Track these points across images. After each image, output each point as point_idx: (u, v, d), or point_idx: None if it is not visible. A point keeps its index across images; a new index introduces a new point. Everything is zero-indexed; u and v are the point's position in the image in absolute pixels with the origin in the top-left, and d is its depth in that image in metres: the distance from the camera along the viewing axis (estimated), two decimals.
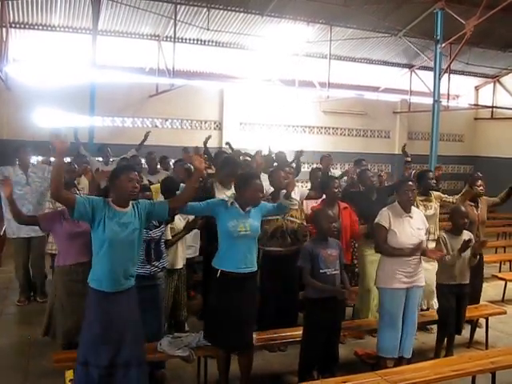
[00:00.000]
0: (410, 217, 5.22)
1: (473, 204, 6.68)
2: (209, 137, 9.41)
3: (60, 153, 3.73)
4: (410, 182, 5.32)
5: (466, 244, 5.36)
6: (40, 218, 5.01)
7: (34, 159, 8.31)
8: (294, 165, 8.41)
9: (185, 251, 5.81)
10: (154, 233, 4.88)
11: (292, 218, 5.83)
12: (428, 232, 6.39)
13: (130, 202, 4.08)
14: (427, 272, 5.98)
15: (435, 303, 6.32)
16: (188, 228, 5.54)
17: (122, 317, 4.01)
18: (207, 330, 4.81)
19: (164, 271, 5.16)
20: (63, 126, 9.52)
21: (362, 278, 6.41)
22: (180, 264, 5.60)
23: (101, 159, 9.26)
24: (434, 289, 6.02)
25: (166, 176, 7.16)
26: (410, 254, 5.09)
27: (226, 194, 5.83)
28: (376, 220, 5.24)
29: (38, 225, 5.04)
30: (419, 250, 5.12)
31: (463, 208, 5.78)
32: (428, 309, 6.60)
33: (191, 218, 5.55)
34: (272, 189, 6.02)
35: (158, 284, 5.01)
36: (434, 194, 6.71)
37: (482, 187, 6.76)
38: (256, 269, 4.72)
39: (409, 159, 8.07)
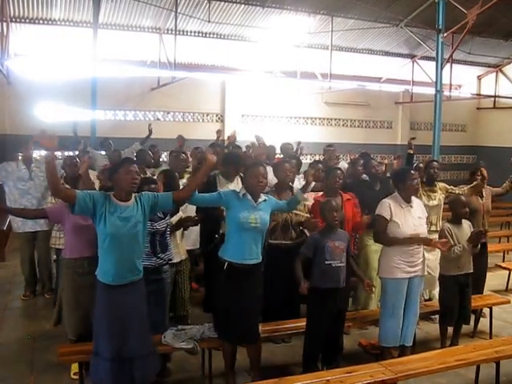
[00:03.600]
0: (411, 206, 5.22)
1: (477, 194, 6.68)
2: (219, 131, 9.45)
3: (50, 149, 3.72)
4: (413, 171, 5.32)
5: (476, 235, 5.39)
6: (48, 210, 5.03)
7: (37, 153, 8.28)
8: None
9: (184, 245, 5.78)
10: (158, 224, 4.85)
11: (297, 212, 5.83)
12: (430, 223, 6.42)
13: (133, 195, 4.09)
14: (429, 262, 6.00)
15: (437, 293, 6.33)
16: (176, 227, 5.47)
17: (127, 310, 4.04)
18: (216, 323, 4.86)
19: (170, 264, 5.16)
20: (70, 120, 9.60)
21: (365, 268, 6.39)
22: (177, 258, 5.50)
23: (103, 153, 9.26)
24: (437, 279, 6.04)
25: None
26: (409, 242, 5.10)
27: (228, 187, 5.84)
28: (377, 211, 5.25)
29: (47, 217, 5.05)
30: (419, 240, 5.13)
31: (463, 197, 5.79)
32: (430, 299, 6.63)
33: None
34: (275, 180, 6.01)
35: (164, 278, 5.00)
36: (440, 185, 6.70)
37: (482, 175, 6.76)
38: (260, 260, 4.75)
39: (411, 151, 8.01)
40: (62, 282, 5.05)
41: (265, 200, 4.75)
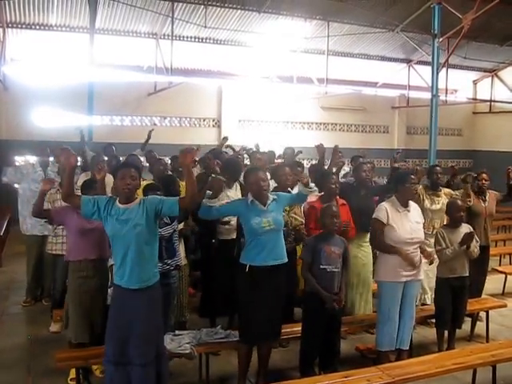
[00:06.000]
0: (408, 211, 5.24)
1: (480, 197, 6.72)
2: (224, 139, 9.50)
3: (70, 166, 4.09)
4: (413, 176, 5.35)
5: (466, 237, 5.40)
6: (53, 211, 5.10)
7: (33, 159, 8.29)
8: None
9: (183, 251, 5.78)
10: (163, 230, 4.83)
11: (296, 216, 5.83)
12: (433, 227, 6.44)
13: (139, 198, 4.11)
14: (428, 266, 6.01)
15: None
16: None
17: (131, 316, 4.00)
18: (243, 327, 4.82)
19: (177, 269, 5.18)
20: (69, 126, 9.60)
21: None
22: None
23: (106, 158, 9.23)
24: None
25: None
26: (403, 257, 5.10)
27: (227, 193, 5.85)
28: (374, 215, 5.27)
29: (51, 218, 5.08)
30: (413, 261, 5.14)
31: (459, 201, 5.81)
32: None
33: None
34: (275, 184, 6.01)
35: (171, 283, 5.02)
36: (445, 190, 6.74)
37: (483, 181, 6.79)
38: (286, 260, 4.77)
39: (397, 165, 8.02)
40: (68, 286, 5.05)
41: (274, 199, 4.76)
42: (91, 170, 6.77)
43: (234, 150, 9.76)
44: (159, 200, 4.12)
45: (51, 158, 7.74)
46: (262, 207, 4.66)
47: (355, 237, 6.03)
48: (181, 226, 5.55)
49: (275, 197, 4.80)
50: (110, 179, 6.47)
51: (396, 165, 7.75)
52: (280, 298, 4.78)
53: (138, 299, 4.03)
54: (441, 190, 6.68)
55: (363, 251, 6.19)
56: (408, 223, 5.19)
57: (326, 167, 6.64)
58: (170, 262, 4.92)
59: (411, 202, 5.36)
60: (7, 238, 9.78)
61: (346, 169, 9.35)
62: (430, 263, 5.49)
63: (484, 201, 6.76)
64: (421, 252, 5.31)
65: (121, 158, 8.84)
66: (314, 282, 4.83)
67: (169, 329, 5.04)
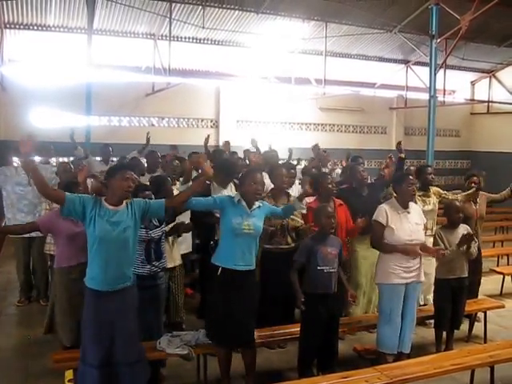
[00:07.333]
0: (408, 212, 5.23)
1: (471, 199, 6.71)
2: (208, 137, 9.40)
3: (25, 154, 3.71)
4: (411, 177, 5.34)
5: (465, 238, 5.39)
6: (38, 222, 4.98)
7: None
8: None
9: (177, 251, 5.78)
10: (153, 232, 4.86)
11: (293, 217, 5.83)
12: (425, 228, 6.43)
13: (124, 201, 4.10)
14: (424, 267, 6.01)
15: (431, 298, 6.35)
16: (169, 233, 5.45)
17: (114, 316, 4.01)
18: (208, 328, 4.85)
19: (164, 271, 5.17)
20: (65, 126, 9.61)
21: (354, 274, 6.32)
22: (170, 264, 5.51)
23: (98, 159, 9.24)
24: (432, 283, 6.05)
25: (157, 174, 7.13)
26: (406, 252, 5.11)
27: (222, 193, 5.85)
28: (373, 217, 5.27)
29: (39, 229, 5.02)
30: (416, 252, 5.15)
31: (457, 203, 5.81)
32: (425, 304, 6.62)
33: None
34: (271, 185, 6.02)
35: (159, 284, 5.01)
36: (433, 189, 6.72)
37: (473, 184, 6.79)
38: (254, 267, 4.75)
39: (403, 155, 7.98)
40: (54, 290, 5.02)
41: (259, 206, 4.76)
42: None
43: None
44: (145, 202, 4.17)
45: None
46: (246, 209, 4.66)
47: (365, 238, 6.03)
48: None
49: (260, 204, 4.81)
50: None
51: (402, 155, 7.71)
52: (251, 302, 4.76)
53: (118, 300, 4.05)
54: (430, 190, 6.68)
55: (372, 251, 6.18)
56: (407, 225, 5.18)
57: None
58: (157, 264, 4.93)
59: (412, 204, 5.36)
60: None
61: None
62: (438, 257, 5.46)
63: (475, 203, 6.76)
64: (427, 251, 5.31)
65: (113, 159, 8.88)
66: (295, 283, 4.86)
67: (159, 329, 5.03)
